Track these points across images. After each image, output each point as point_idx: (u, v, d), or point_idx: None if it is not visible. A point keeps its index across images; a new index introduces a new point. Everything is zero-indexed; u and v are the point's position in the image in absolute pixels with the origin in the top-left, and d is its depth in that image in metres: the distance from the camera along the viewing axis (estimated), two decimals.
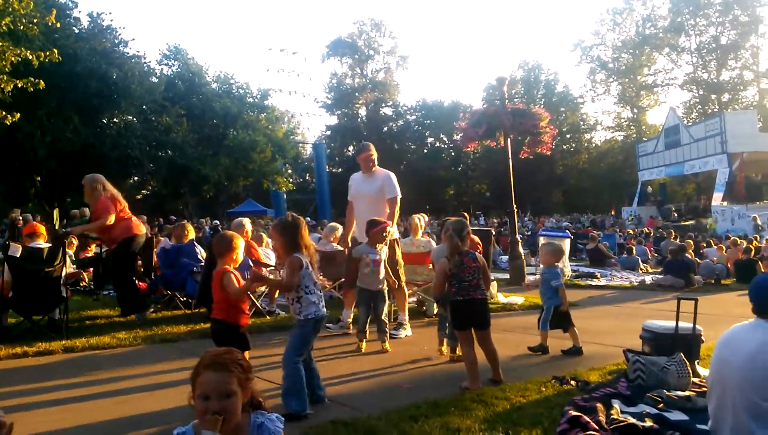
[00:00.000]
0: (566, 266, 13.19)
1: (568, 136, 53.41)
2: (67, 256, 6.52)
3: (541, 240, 13.73)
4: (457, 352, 5.28)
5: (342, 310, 6.98)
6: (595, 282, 12.75)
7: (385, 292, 6.12)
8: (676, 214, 32.58)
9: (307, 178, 52.76)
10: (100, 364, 5.18)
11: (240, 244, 4.24)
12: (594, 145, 57.11)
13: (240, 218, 8.88)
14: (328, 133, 56.22)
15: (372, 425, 3.46)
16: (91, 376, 4.76)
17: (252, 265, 7.77)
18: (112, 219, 6.66)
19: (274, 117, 39.26)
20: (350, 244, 6.74)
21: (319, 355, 5.59)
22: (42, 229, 7.32)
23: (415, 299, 8.54)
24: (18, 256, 6.02)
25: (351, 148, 56.78)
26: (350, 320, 6.79)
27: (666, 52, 52.03)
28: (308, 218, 32.88)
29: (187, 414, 1.99)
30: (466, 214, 8.85)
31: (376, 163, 6.61)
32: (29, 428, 3.53)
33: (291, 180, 43.61)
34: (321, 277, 9.76)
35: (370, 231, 6.02)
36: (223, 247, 4.19)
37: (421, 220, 8.50)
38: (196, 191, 35.79)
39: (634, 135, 51.81)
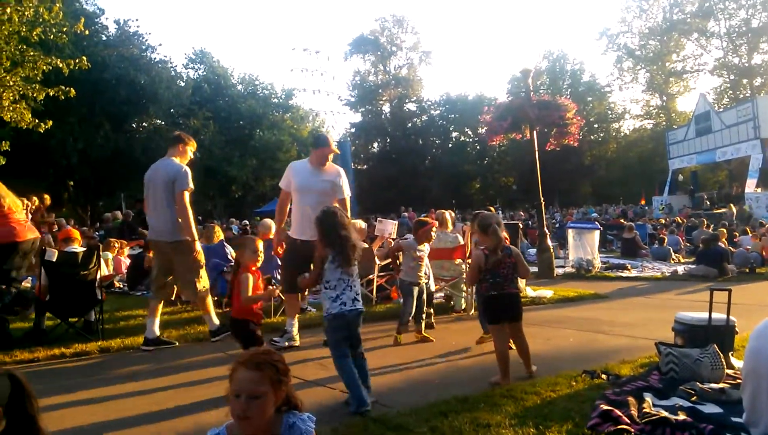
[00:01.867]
0: (596, 258, 13.02)
1: (595, 126, 52.63)
2: (102, 260, 6.64)
3: (570, 232, 13.60)
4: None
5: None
6: (625, 273, 12.56)
7: (425, 285, 6.30)
8: (708, 203, 31.89)
9: None
10: (135, 363, 5.30)
11: (259, 247, 4.43)
12: (622, 134, 56.18)
13: (266, 219, 8.99)
14: (353, 130, 56.29)
15: (401, 421, 3.48)
16: (126, 376, 4.87)
17: (280, 263, 7.86)
18: None
19: (299, 116, 39.59)
20: (283, 243, 6.02)
21: None
22: (76, 233, 7.51)
23: (442, 295, 8.54)
24: (54, 260, 6.19)
25: (376, 145, 56.85)
26: (295, 332, 5.91)
27: (695, 38, 50.86)
28: None
29: (222, 411, 2.04)
30: (491, 207, 8.79)
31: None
32: (70, 425, 3.64)
33: None
34: None
35: (419, 229, 6.25)
36: (242, 251, 4.45)
37: (450, 215, 8.52)
38: (225, 192, 36.27)
39: (664, 123, 50.80)
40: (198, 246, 5.98)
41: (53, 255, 6.19)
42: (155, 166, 6.00)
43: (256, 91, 38.40)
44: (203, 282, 6.00)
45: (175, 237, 5.79)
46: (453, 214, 9.19)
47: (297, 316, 6.01)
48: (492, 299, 4.58)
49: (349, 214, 5.90)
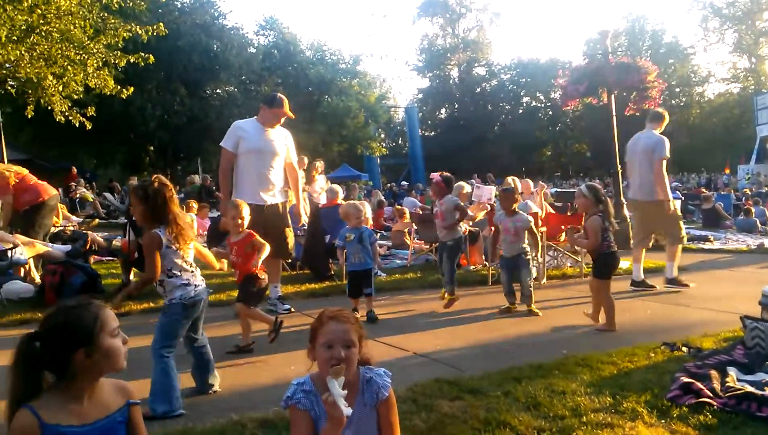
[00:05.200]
0: None
1: (677, 90, 49.96)
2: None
3: None
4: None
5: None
6: (708, 245, 11.98)
7: (530, 258, 6.12)
8: None
9: (400, 142, 52.87)
10: (220, 317, 5.51)
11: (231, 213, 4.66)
12: (706, 99, 53.11)
13: (333, 185, 9.08)
14: (420, 96, 55.82)
15: (475, 385, 3.50)
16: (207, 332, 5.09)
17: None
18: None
19: (366, 82, 39.44)
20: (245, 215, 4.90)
21: (414, 321, 5.71)
22: None
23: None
24: None
25: (443, 111, 56.16)
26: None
27: None
28: (403, 181, 33.14)
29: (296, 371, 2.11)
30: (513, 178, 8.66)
31: None
32: None
33: (384, 144, 43.89)
34: (417, 240, 9.88)
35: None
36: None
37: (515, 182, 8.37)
38: None
39: (753, 86, 47.63)
40: (672, 205, 6.97)
41: None
42: (636, 136, 7.28)
43: (324, 57, 38.50)
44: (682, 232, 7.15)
45: (652, 197, 6.88)
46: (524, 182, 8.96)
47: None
48: (612, 256, 5.16)
49: (301, 176, 5.98)
